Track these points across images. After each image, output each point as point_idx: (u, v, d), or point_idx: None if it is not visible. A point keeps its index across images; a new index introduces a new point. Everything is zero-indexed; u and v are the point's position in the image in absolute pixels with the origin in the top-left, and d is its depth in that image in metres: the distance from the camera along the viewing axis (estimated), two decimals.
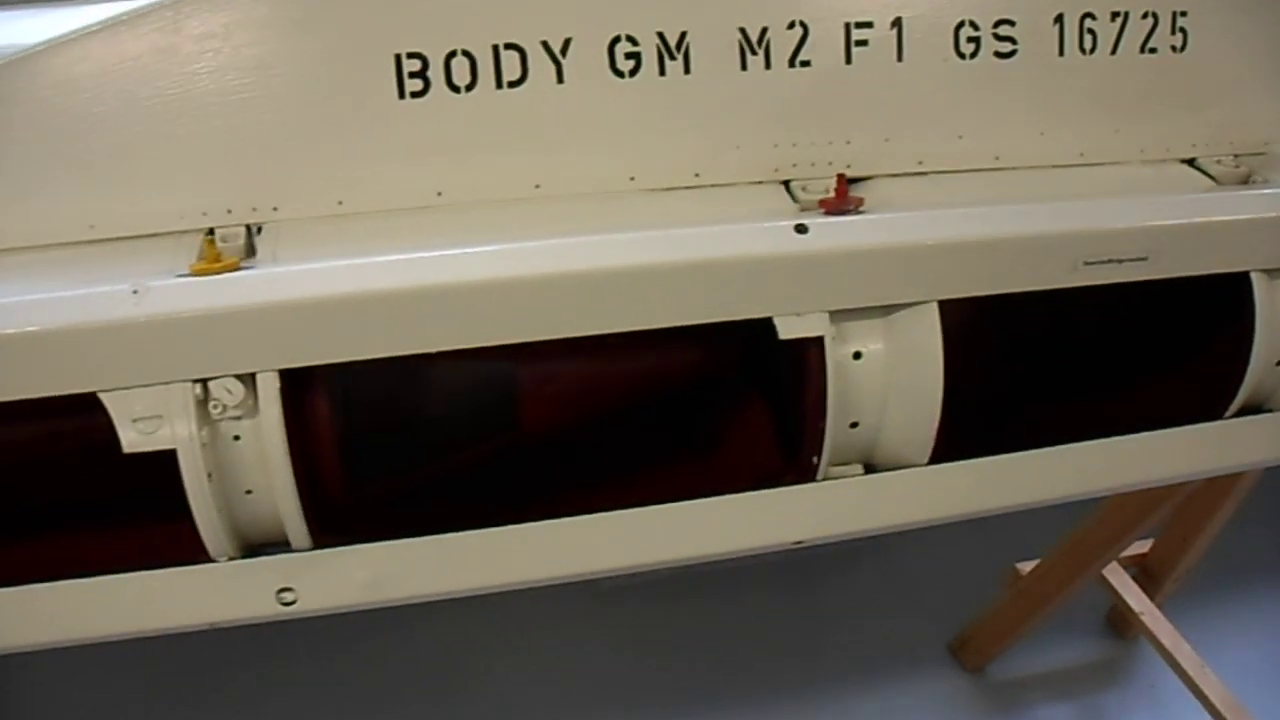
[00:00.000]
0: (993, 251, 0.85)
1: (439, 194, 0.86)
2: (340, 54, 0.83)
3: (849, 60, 0.88)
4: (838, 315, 0.84)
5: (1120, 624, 1.72)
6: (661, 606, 1.81)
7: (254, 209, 0.83)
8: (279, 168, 0.84)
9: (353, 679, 1.69)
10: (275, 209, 0.84)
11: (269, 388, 0.75)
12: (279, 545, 0.82)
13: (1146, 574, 1.63)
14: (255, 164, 0.83)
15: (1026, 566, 1.57)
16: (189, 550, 0.80)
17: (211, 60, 0.80)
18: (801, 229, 0.82)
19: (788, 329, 0.82)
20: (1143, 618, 1.53)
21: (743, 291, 0.82)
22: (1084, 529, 1.48)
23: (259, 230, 0.84)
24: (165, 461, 0.76)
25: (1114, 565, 1.56)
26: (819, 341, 0.83)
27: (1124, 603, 1.56)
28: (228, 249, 0.81)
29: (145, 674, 1.70)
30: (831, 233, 0.83)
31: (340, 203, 0.84)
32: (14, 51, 0.80)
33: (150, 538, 0.85)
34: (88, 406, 0.76)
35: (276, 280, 0.76)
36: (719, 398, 0.96)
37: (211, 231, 0.84)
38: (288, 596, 0.82)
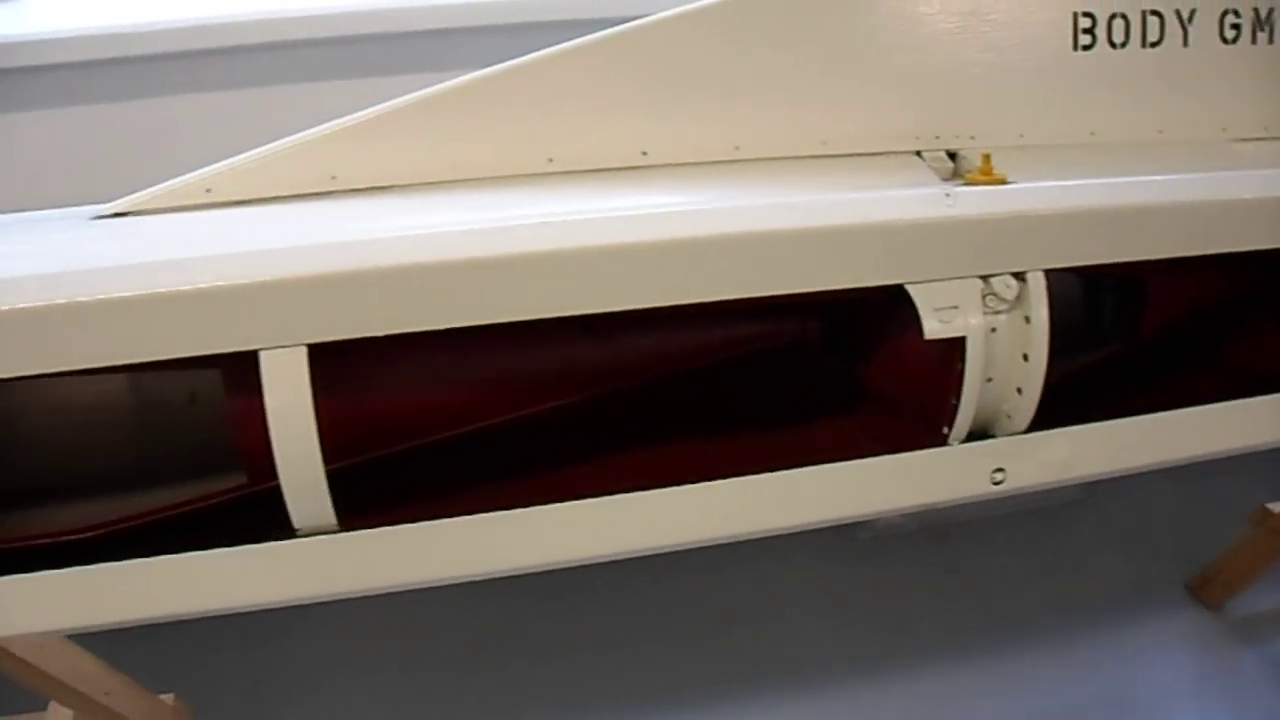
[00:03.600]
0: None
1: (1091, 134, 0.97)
2: (1032, 9, 0.95)
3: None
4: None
5: None
6: (910, 555, 1.95)
7: (955, 136, 0.95)
8: (978, 102, 0.96)
9: (639, 627, 1.76)
10: (972, 138, 0.95)
11: (1038, 286, 0.84)
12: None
13: None
14: (961, 97, 0.95)
15: (1277, 506, 1.67)
16: (922, 436, 0.88)
17: (933, 4, 0.93)
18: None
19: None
20: None
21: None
22: None
23: (952, 155, 0.96)
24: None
25: None
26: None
27: None
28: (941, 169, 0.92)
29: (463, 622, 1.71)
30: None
31: (1021, 135, 0.96)
32: None
33: (871, 426, 0.94)
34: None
35: (1043, 193, 0.86)
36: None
37: (919, 154, 0.95)
38: (998, 477, 0.92)
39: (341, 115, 0.82)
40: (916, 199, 0.85)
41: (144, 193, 0.83)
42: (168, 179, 0.86)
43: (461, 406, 0.84)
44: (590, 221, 0.80)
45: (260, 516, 0.83)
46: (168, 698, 1.49)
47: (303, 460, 0.76)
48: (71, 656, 1.28)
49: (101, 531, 0.85)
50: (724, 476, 0.85)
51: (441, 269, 0.76)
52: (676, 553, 0.90)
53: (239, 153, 0.84)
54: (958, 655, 1.81)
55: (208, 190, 0.83)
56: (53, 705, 1.40)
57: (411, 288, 0.75)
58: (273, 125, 0.81)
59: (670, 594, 1.84)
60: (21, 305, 0.71)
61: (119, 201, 0.83)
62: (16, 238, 0.85)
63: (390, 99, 0.82)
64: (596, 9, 1.41)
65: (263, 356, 0.73)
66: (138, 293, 0.71)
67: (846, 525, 2.05)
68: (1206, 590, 1.90)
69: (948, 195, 0.85)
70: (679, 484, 0.84)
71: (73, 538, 0.85)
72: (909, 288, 0.83)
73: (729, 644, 1.83)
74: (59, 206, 0.90)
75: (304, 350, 0.75)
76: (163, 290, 0.72)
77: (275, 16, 1.42)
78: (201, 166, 0.84)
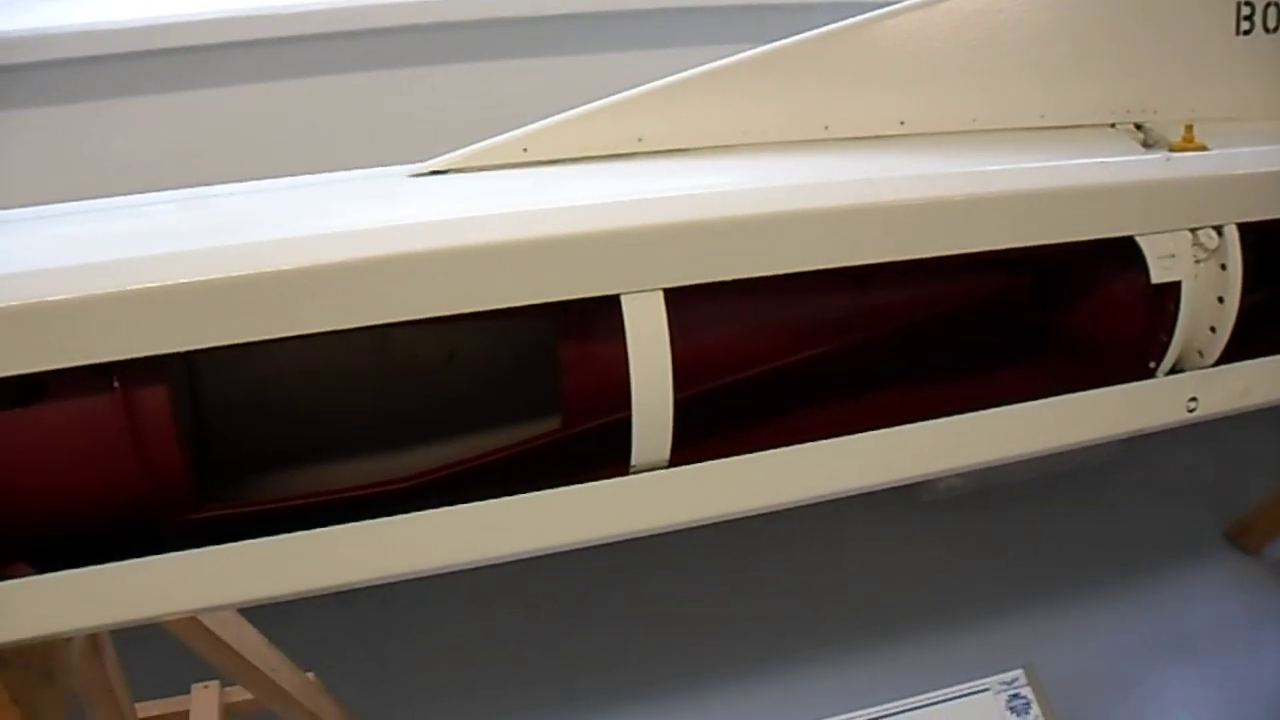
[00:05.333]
0: None
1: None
2: None
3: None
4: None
5: None
6: (969, 514, 2.09)
7: (1142, 110, 1.05)
8: (1159, 79, 1.07)
9: (709, 595, 1.84)
10: (1156, 112, 1.06)
11: (1233, 238, 0.98)
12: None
13: None
14: (1146, 75, 1.06)
15: None
16: (1128, 372, 0.99)
17: None
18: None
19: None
20: None
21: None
22: None
23: (1138, 128, 1.07)
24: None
25: None
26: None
27: None
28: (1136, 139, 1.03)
29: (522, 599, 1.75)
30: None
31: (1192, 110, 1.07)
32: None
33: (1062, 368, 1.05)
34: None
35: (1241, 158, 0.99)
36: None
37: (1113, 125, 1.07)
38: (1192, 405, 1.04)
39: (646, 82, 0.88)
40: (1143, 163, 0.98)
41: (459, 152, 0.87)
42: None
43: (757, 349, 0.92)
44: (865, 182, 0.89)
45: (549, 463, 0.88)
46: (310, 675, 1.48)
47: (657, 399, 0.82)
48: (243, 631, 1.28)
49: (413, 482, 0.88)
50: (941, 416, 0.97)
51: (767, 220, 0.84)
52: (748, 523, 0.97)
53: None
54: (1021, 606, 1.96)
55: (524, 149, 0.87)
56: (194, 688, 1.39)
57: (746, 237, 0.83)
58: (593, 91, 0.86)
59: (740, 558, 1.92)
60: (398, 251, 0.74)
61: (433, 161, 0.87)
62: (349, 195, 0.88)
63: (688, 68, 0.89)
64: None
65: (624, 300, 0.81)
66: (511, 238, 0.76)
67: (909, 490, 2.19)
68: (1245, 537, 2.10)
69: (1168, 159, 0.99)
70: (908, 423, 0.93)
71: (379, 490, 0.88)
72: (1139, 239, 0.96)
73: (804, 600, 1.93)
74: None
75: (660, 294, 0.81)
76: (539, 236, 0.77)
77: None
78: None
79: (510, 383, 0.96)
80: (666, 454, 0.85)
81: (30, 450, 0.79)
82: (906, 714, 1.03)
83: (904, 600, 1.96)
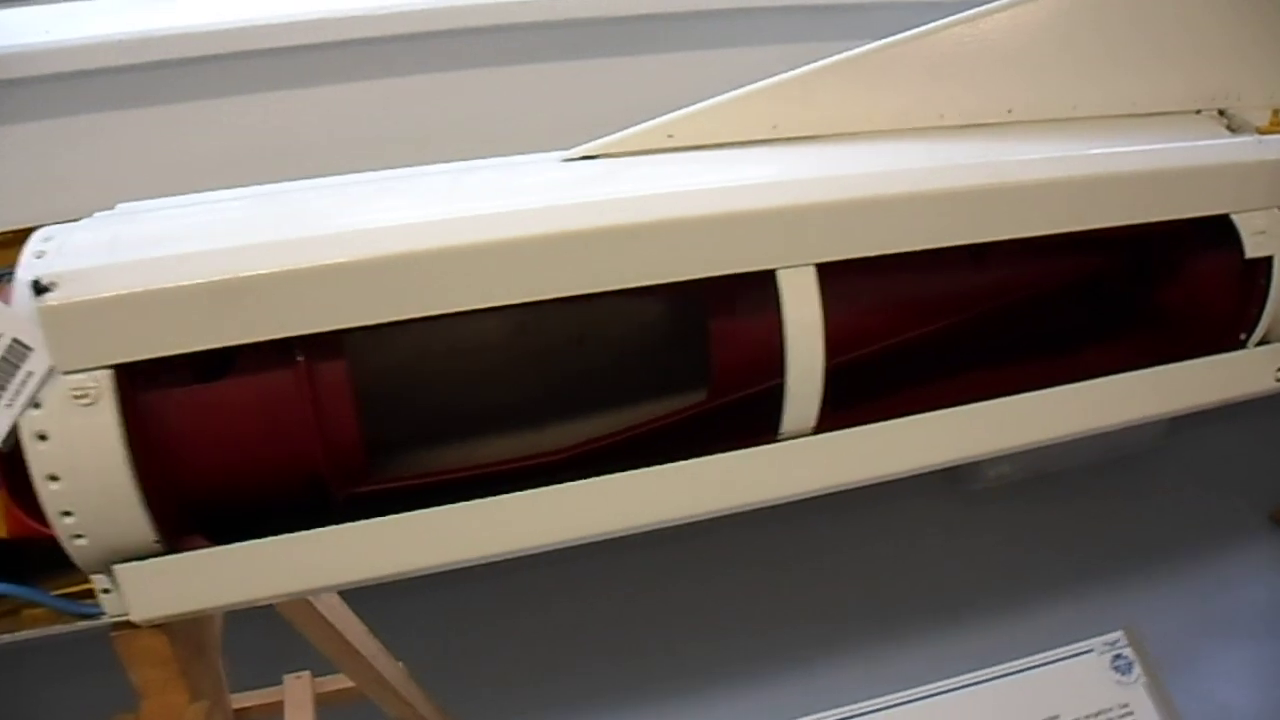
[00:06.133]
0: None
1: None
2: None
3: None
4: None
5: None
6: (1017, 501, 2.14)
7: (1225, 96, 1.11)
8: (1237, 67, 1.12)
9: (770, 586, 1.88)
10: (1239, 98, 1.13)
11: None
12: None
13: None
14: (1226, 63, 1.11)
15: None
16: (1217, 345, 1.05)
17: None
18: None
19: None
20: None
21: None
22: None
23: (1220, 113, 1.13)
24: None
25: None
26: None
27: None
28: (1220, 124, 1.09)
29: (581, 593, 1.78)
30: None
31: (1270, 97, 1.14)
32: None
33: (1147, 343, 1.10)
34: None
35: None
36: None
37: (1198, 112, 1.12)
38: (1278, 375, 1.09)
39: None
40: (1237, 145, 1.05)
41: (607, 139, 0.92)
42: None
43: (888, 324, 0.96)
44: (989, 165, 0.95)
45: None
46: (400, 665, 1.50)
47: (809, 369, 0.87)
48: (349, 619, 1.30)
49: (566, 455, 0.91)
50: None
51: (909, 200, 0.89)
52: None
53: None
54: (1073, 589, 2.01)
55: (669, 135, 0.92)
56: (286, 678, 1.41)
57: (889, 215, 0.88)
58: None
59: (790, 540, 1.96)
60: (580, 227, 0.79)
61: (584, 146, 0.92)
62: (510, 177, 0.93)
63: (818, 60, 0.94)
64: None
65: (780, 275, 0.85)
66: (680, 216, 0.81)
67: (957, 478, 2.24)
68: None
69: (1259, 141, 1.05)
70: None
71: (526, 464, 0.91)
72: (1234, 216, 1.03)
73: (866, 588, 1.97)
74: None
75: (813, 269, 0.85)
76: (706, 214, 0.82)
77: None
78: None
79: (643, 360, 1.01)
80: (813, 421, 0.91)
81: (214, 423, 0.84)
82: (1018, 675, 1.06)
83: (949, 585, 2.01)
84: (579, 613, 1.91)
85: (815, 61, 0.97)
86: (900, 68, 0.99)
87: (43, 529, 0.84)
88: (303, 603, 1.35)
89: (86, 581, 0.87)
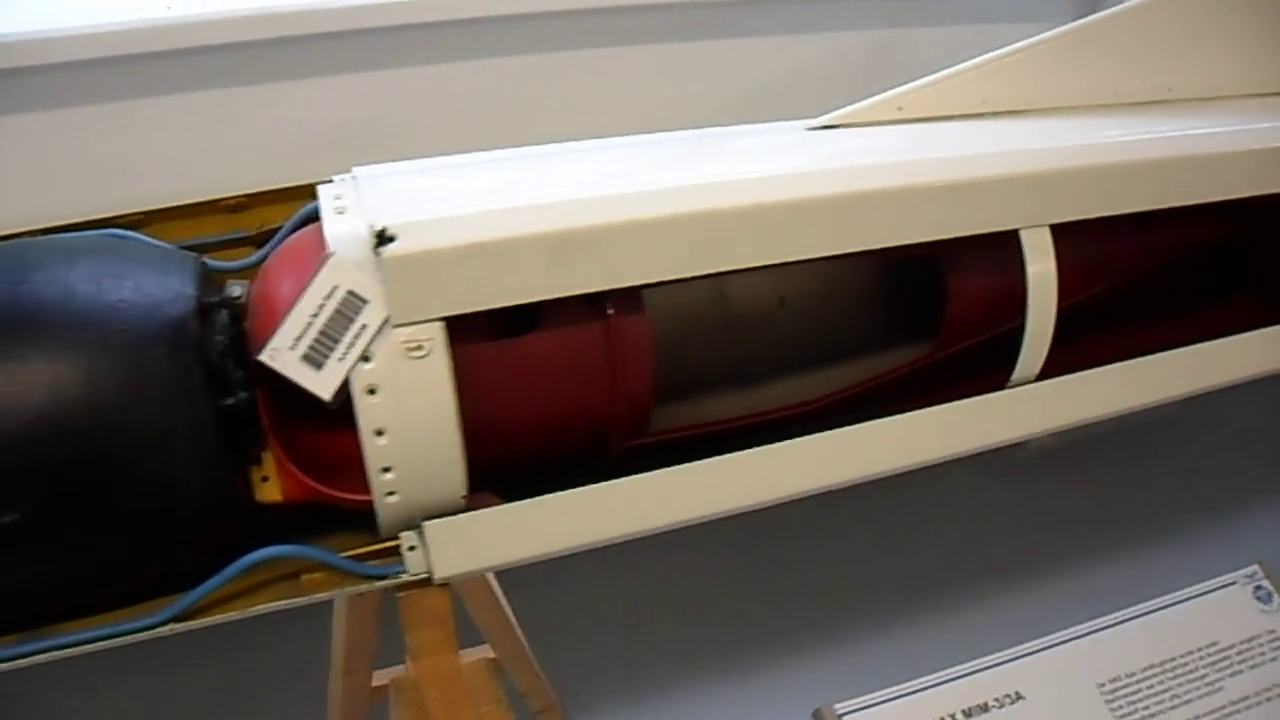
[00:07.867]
0: None
1: None
2: None
3: None
4: None
5: None
6: (1063, 469, 2.26)
7: None
8: None
9: (840, 555, 1.95)
10: None
11: None
12: None
13: None
14: None
15: None
16: None
17: None
18: None
19: None
20: None
21: None
22: None
23: None
24: None
25: None
26: None
27: None
28: None
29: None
30: None
31: None
32: None
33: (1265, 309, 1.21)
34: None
35: None
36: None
37: None
38: None
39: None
40: None
41: (843, 110, 0.97)
42: None
43: (1078, 281, 1.03)
44: (1157, 139, 1.04)
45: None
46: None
47: (1044, 320, 0.94)
48: (495, 590, 1.30)
49: (815, 405, 0.95)
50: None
51: (1122, 169, 0.98)
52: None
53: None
54: (1121, 550, 2.12)
55: (899, 108, 0.98)
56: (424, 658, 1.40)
57: (1108, 182, 0.97)
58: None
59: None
60: (849, 189, 0.83)
61: (825, 117, 0.98)
62: (768, 143, 0.98)
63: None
64: None
65: (1023, 234, 0.92)
66: (945, 180, 0.87)
67: (1000, 450, 2.34)
68: None
69: None
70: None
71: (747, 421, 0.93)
72: None
73: (915, 553, 2.03)
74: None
75: (1048, 229, 0.92)
76: (965, 179, 0.88)
77: None
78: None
79: (864, 318, 1.07)
80: (1038, 369, 0.98)
81: (525, 376, 0.84)
82: (1166, 610, 1.16)
83: (998, 550, 2.10)
84: (667, 572, 1.93)
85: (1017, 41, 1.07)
86: (1084, 51, 1.09)
87: (326, 490, 0.82)
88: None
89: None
